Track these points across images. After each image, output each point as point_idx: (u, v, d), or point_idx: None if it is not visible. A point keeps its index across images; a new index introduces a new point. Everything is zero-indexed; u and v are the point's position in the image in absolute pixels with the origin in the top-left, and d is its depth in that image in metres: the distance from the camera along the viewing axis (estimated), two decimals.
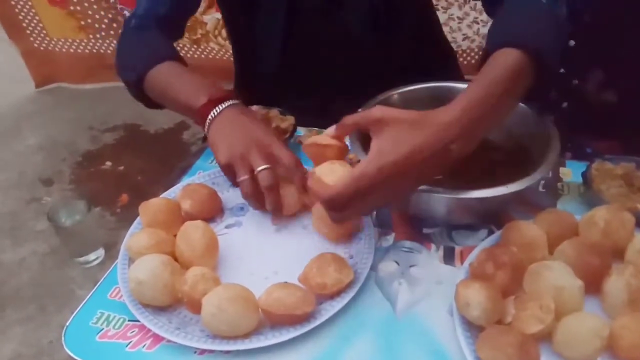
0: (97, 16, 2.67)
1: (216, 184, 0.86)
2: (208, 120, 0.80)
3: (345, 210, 0.63)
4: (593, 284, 0.64)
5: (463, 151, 0.64)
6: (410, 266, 0.74)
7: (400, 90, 0.89)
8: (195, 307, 0.65)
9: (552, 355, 0.61)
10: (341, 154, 0.77)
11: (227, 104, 0.81)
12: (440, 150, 0.62)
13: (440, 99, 0.73)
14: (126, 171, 2.35)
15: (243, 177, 0.75)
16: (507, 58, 0.67)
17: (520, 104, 0.84)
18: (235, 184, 0.77)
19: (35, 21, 2.71)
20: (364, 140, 0.79)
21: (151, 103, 0.94)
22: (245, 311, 0.64)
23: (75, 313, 0.71)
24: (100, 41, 2.78)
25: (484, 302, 0.60)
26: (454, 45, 1.78)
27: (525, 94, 0.70)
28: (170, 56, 0.90)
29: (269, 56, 1.09)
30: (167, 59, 0.89)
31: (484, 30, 2.21)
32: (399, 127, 0.62)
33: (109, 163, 2.41)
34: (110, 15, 2.67)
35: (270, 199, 0.75)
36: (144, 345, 0.66)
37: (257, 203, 0.76)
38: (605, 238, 0.68)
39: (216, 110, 0.80)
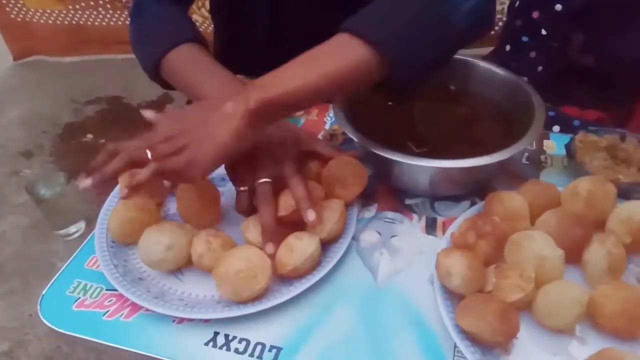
0: None
1: None
2: None
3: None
4: (574, 254, 0.64)
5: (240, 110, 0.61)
6: (392, 236, 0.74)
7: None
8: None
9: (533, 323, 0.61)
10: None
11: None
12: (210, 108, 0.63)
13: None
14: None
15: (242, 188, 0.71)
16: (339, 45, 0.65)
17: (506, 74, 0.84)
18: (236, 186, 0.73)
19: None
20: (349, 112, 0.78)
21: (167, 85, 0.89)
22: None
23: (51, 282, 0.70)
24: (79, 12, 2.72)
25: (465, 271, 0.60)
26: None
27: (362, 86, 0.67)
28: (189, 36, 0.85)
29: (256, 29, 1.07)
30: (186, 39, 0.84)
31: None
32: None
33: (90, 136, 2.37)
34: None
35: (263, 216, 0.67)
36: (122, 315, 0.65)
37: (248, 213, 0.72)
38: (587, 209, 0.68)
39: None
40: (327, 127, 0.95)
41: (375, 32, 0.64)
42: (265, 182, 0.69)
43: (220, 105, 0.62)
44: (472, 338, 0.58)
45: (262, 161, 0.70)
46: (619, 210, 0.67)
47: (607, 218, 0.68)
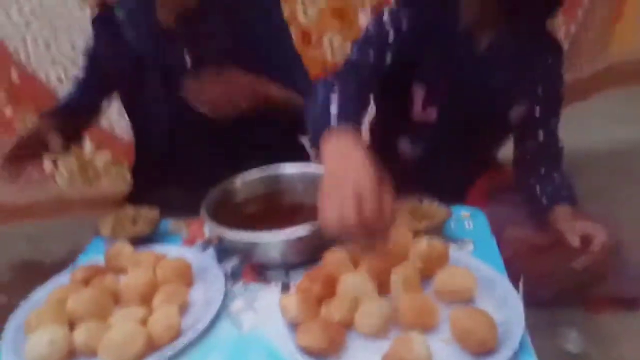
0: None
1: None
2: None
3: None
4: (385, 285, 0.85)
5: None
6: (255, 301, 0.93)
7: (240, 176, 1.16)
8: None
9: (357, 335, 0.80)
10: None
11: None
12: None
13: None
14: None
15: None
16: None
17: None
18: None
19: None
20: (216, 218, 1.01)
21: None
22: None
23: None
24: None
25: (297, 305, 0.80)
26: None
27: None
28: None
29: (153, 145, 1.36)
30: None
31: None
32: None
33: None
34: None
35: None
36: None
37: None
38: (393, 249, 0.90)
39: None
40: (206, 236, 1.14)
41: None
42: None
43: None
44: (309, 352, 0.76)
45: None
46: (416, 246, 0.90)
47: (408, 254, 0.90)
